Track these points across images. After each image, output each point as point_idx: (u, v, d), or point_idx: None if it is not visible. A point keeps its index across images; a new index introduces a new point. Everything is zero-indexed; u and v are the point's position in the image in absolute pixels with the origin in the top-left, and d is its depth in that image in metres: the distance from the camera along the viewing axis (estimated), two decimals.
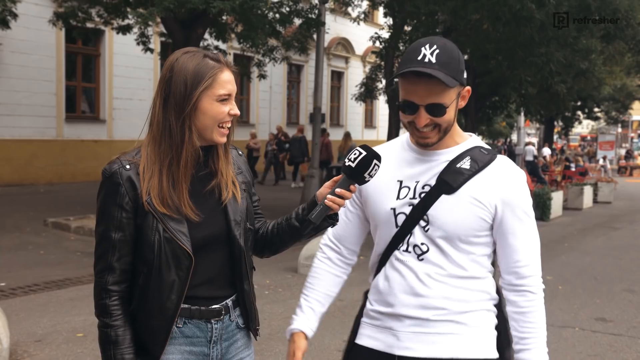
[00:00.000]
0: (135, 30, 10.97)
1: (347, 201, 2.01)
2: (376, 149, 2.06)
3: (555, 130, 37.99)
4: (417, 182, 1.93)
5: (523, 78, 11.45)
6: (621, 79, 28.39)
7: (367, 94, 17.48)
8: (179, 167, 1.79)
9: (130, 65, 16.86)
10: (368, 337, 1.98)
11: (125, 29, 11.31)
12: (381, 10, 16.71)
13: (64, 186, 15.13)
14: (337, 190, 1.82)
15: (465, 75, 1.91)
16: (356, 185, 1.84)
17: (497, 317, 1.99)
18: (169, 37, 10.70)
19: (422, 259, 1.90)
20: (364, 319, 2.02)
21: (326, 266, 2.13)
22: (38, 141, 15.24)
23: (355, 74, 26.54)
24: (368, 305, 2.01)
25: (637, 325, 5.99)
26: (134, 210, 1.77)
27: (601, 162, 30.92)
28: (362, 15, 15.91)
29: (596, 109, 36.53)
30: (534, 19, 9.11)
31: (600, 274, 8.10)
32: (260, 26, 9.63)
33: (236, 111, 1.84)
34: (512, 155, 26.36)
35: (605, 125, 47.17)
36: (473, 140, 2.00)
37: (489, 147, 1.98)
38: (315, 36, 12.94)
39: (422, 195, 1.90)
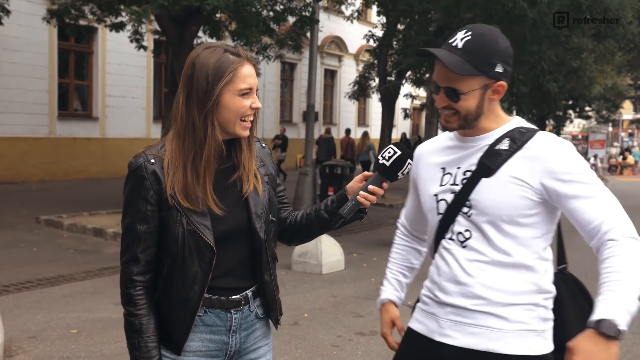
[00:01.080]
0: (129, 27, 10.93)
1: (410, 188, 2.15)
2: (429, 140, 2.16)
3: (547, 129, 38.16)
4: (459, 168, 1.94)
5: (515, 76, 11.48)
6: (612, 78, 28.54)
7: (360, 92, 17.52)
8: (202, 161, 1.82)
9: (123, 62, 16.82)
10: (416, 321, 2.04)
11: (118, 27, 11.27)
12: (374, 8, 16.76)
13: (56, 184, 15.10)
14: (370, 187, 1.85)
15: (499, 69, 1.86)
16: (388, 182, 1.88)
17: (555, 311, 1.92)
18: (163, 35, 10.68)
19: (465, 246, 1.90)
20: (418, 304, 2.07)
21: (403, 241, 2.29)
22: (30, 139, 15.19)
23: (349, 73, 26.57)
24: (422, 290, 2.06)
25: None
26: (159, 203, 1.82)
27: (592, 160, 31.06)
28: (356, 14, 15.94)
29: (587, 108, 36.68)
30: (527, 18, 9.16)
31: (590, 271, 8.07)
32: (254, 24, 9.63)
33: (258, 104, 1.86)
34: None
35: (596, 124, 47.36)
36: (515, 121, 1.96)
37: (531, 126, 1.93)
38: (308, 34, 12.96)
39: (464, 181, 1.91)
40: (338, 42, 26.04)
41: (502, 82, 1.88)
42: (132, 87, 17.31)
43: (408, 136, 27.39)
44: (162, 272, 1.85)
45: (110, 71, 16.80)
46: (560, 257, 2.17)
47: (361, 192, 1.84)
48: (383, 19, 16.26)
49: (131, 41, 11.54)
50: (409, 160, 1.85)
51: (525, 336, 1.85)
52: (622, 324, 1.56)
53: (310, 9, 11.88)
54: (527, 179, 1.82)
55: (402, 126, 29.95)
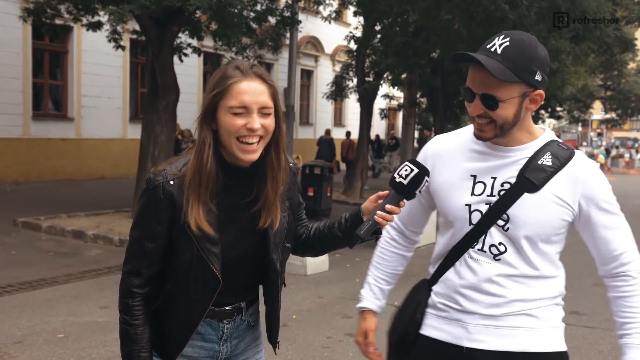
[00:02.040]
0: (107, 27, 10.79)
1: None
2: (444, 136, 2.07)
3: None
4: (494, 178, 1.87)
5: None
6: (585, 79, 29.02)
7: (338, 93, 17.55)
8: (202, 177, 1.74)
9: (99, 62, 16.61)
10: (433, 328, 1.98)
11: (95, 26, 11.11)
12: (351, 9, 16.80)
13: (31, 185, 14.84)
14: (388, 206, 1.79)
15: (538, 77, 1.81)
16: (404, 200, 1.83)
17: None
18: (143, 35, 10.53)
19: (498, 259, 1.87)
20: (429, 310, 2.01)
21: (390, 246, 2.20)
22: (4, 139, 14.90)
23: (325, 73, 26.58)
24: (434, 297, 1.99)
25: (609, 318, 6.12)
26: (170, 225, 1.79)
27: None
28: (334, 14, 15.97)
29: (559, 108, 37.25)
30: (508, 20, 9.27)
31: (570, 269, 8.21)
32: (235, 24, 9.58)
33: (252, 125, 1.71)
34: None
35: (567, 124, 48.12)
36: (548, 134, 1.93)
37: (565, 143, 1.92)
38: (288, 34, 12.94)
39: (502, 193, 1.85)
40: (314, 43, 26.04)
41: (541, 91, 1.83)
42: (108, 87, 17.09)
43: (382, 137, 27.67)
44: (166, 286, 1.85)
45: (86, 71, 16.57)
46: None
47: (379, 212, 1.79)
48: (360, 19, 16.32)
49: (109, 41, 11.38)
50: (426, 178, 1.80)
51: (555, 332, 1.92)
52: None
53: (292, 10, 11.86)
54: (569, 200, 1.84)
55: (378, 126, 30.07)
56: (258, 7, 11.07)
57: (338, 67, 20.44)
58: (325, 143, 20.46)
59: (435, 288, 2.00)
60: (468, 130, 2.00)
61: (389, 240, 2.20)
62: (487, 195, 1.87)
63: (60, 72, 16.60)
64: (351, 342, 5.19)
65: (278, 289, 1.93)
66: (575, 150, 1.90)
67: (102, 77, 16.87)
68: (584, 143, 50.77)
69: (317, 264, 7.72)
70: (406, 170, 1.81)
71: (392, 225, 2.19)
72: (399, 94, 21.22)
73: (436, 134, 18.96)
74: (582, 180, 1.84)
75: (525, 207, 1.82)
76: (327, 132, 21.46)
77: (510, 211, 1.83)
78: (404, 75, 16.38)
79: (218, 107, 1.73)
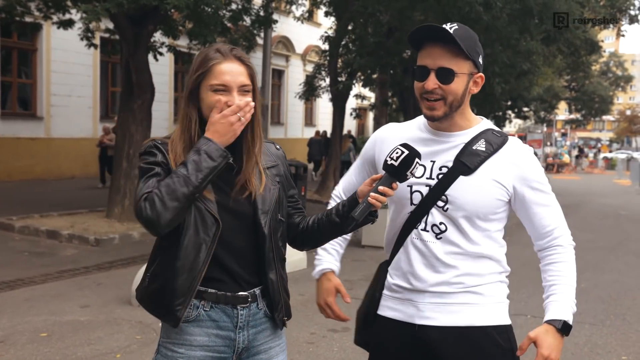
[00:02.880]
0: (80, 25, 10.66)
1: (357, 164, 2.23)
2: (392, 125, 2.20)
3: None
4: (434, 162, 2.02)
5: None
6: (552, 80, 29.59)
7: (310, 92, 17.63)
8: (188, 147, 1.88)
9: (69, 61, 16.38)
10: (389, 309, 2.12)
11: (67, 24, 10.97)
12: (322, 9, 16.89)
13: (0, 185, 14.58)
14: (380, 188, 1.86)
15: (480, 61, 2.00)
16: (397, 182, 1.89)
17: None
18: (117, 33, 10.43)
19: (440, 238, 2.01)
20: (385, 292, 2.15)
21: None
22: None
23: (296, 72, 26.64)
24: (389, 279, 2.13)
25: (582, 312, 6.34)
26: (167, 171, 1.87)
27: None
28: (307, 14, 16.03)
29: (525, 109, 37.88)
30: (482, 21, 9.45)
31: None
32: (212, 24, 9.57)
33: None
34: None
35: (533, 124, 48.95)
36: (485, 123, 2.10)
37: (500, 130, 2.09)
38: (262, 34, 12.95)
39: (440, 176, 2.00)
40: (285, 42, 26.08)
41: (482, 75, 2.04)
42: (78, 86, 16.87)
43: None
44: (163, 243, 1.90)
45: (56, 69, 16.33)
46: None
47: (372, 194, 1.86)
48: (332, 20, 16.42)
49: (81, 39, 11.26)
50: (417, 160, 1.86)
51: (499, 307, 2.07)
52: (571, 323, 1.98)
53: (269, 10, 11.87)
54: (504, 181, 2.00)
55: (348, 126, 30.20)
56: (234, 7, 11.06)
57: (309, 67, 20.56)
58: (316, 144, 20.99)
59: (390, 270, 2.14)
60: (416, 121, 2.16)
61: None
62: (427, 178, 2.02)
63: (29, 70, 16.34)
64: (335, 338, 5.27)
65: (273, 259, 1.96)
66: (509, 137, 2.07)
67: (72, 75, 16.65)
68: (549, 143, 51.73)
69: (295, 262, 7.77)
70: (397, 152, 1.88)
71: (337, 195, 2.34)
72: (369, 93, 21.40)
73: None
74: (516, 163, 2.02)
75: (462, 188, 1.98)
76: (317, 133, 21.95)
77: (448, 192, 1.99)
78: (375, 75, 16.53)
79: (201, 87, 1.88)
